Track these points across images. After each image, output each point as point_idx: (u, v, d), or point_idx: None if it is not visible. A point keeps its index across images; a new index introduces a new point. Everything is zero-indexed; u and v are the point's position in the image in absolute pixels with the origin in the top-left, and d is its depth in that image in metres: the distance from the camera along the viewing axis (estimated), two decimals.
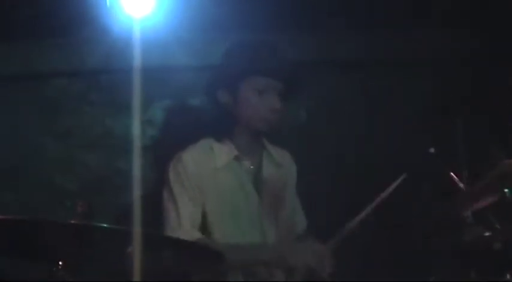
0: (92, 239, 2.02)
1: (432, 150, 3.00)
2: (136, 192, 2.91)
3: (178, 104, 3.59)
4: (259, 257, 2.82)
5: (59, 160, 3.55)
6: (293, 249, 2.81)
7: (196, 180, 2.89)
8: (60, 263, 2.09)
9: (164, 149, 3.26)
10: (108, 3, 3.23)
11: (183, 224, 2.81)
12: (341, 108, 3.73)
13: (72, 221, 1.99)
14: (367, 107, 3.71)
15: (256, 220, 2.96)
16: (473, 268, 2.75)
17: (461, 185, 2.84)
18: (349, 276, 2.87)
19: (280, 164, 3.09)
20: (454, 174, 2.89)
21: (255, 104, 2.90)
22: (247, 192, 2.97)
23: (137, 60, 3.07)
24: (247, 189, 2.97)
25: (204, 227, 2.88)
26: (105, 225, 1.99)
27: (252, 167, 3.00)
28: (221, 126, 2.98)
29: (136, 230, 2.06)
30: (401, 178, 2.80)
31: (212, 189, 2.91)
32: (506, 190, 2.71)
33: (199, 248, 2.26)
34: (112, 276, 2.25)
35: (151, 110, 3.59)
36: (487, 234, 2.72)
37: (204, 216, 2.89)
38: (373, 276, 3.16)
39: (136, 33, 3.15)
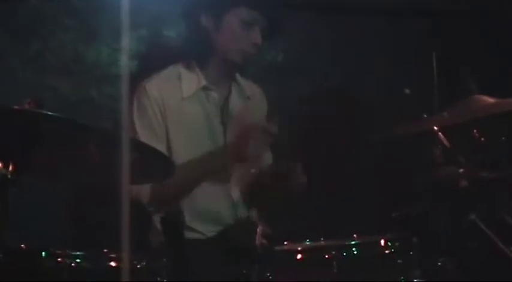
0: (39, 130, 1.92)
1: (407, 91, 2.95)
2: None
3: (153, 31, 3.52)
4: (214, 162, 2.81)
5: (28, 83, 3.47)
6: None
7: (160, 110, 2.83)
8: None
9: (135, 78, 3.20)
10: None
11: None
12: (318, 51, 3.69)
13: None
14: (344, 49, 3.66)
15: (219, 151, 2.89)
16: (443, 206, 2.72)
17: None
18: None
19: (249, 97, 3.02)
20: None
21: (239, 35, 2.83)
22: (212, 123, 2.91)
23: None
24: (213, 120, 2.92)
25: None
26: (53, 113, 1.87)
27: (219, 98, 2.93)
28: (195, 52, 2.90)
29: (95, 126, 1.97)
30: None
31: (177, 119, 2.86)
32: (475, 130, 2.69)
33: (155, 152, 2.18)
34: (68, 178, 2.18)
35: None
36: (456, 173, 2.68)
37: (168, 146, 2.83)
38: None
39: None
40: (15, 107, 1.88)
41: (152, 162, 2.15)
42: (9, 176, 1.99)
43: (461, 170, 2.64)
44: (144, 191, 2.74)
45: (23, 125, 1.94)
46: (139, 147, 2.12)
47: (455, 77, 2.74)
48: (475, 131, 2.67)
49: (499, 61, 3.49)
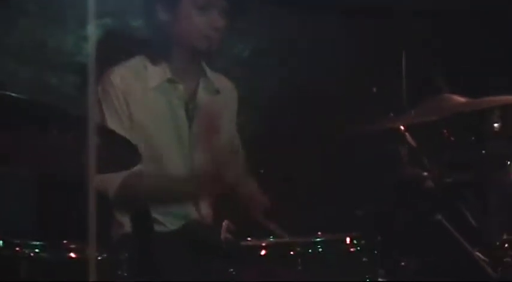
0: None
1: (374, 89, 2.94)
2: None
3: (117, 22, 3.46)
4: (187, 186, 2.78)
5: None
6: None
7: (125, 97, 2.79)
8: None
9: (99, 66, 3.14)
10: None
11: None
12: (288, 48, 3.66)
13: None
14: (313, 47, 3.64)
15: (184, 145, 2.87)
16: (408, 205, 2.71)
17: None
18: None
19: (218, 90, 2.98)
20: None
21: (195, 21, 2.79)
22: (177, 116, 2.87)
23: None
24: (178, 113, 2.87)
25: None
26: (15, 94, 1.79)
27: (185, 91, 2.89)
28: (158, 46, 2.87)
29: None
30: None
31: (141, 108, 2.81)
32: (444, 131, 2.68)
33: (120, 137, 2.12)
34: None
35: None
36: (422, 173, 2.67)
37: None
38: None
39: None
40: None
41: (116, 149, 2.09)
42: None
43: (427, 170, 2.63)
44: (112, 182, 2.67)
45: None
46: (103, 133, 2.05)
47: (425, 75, 2.73)
48: (444, 130, 2.66)
49: (471, 59, 3.50)
